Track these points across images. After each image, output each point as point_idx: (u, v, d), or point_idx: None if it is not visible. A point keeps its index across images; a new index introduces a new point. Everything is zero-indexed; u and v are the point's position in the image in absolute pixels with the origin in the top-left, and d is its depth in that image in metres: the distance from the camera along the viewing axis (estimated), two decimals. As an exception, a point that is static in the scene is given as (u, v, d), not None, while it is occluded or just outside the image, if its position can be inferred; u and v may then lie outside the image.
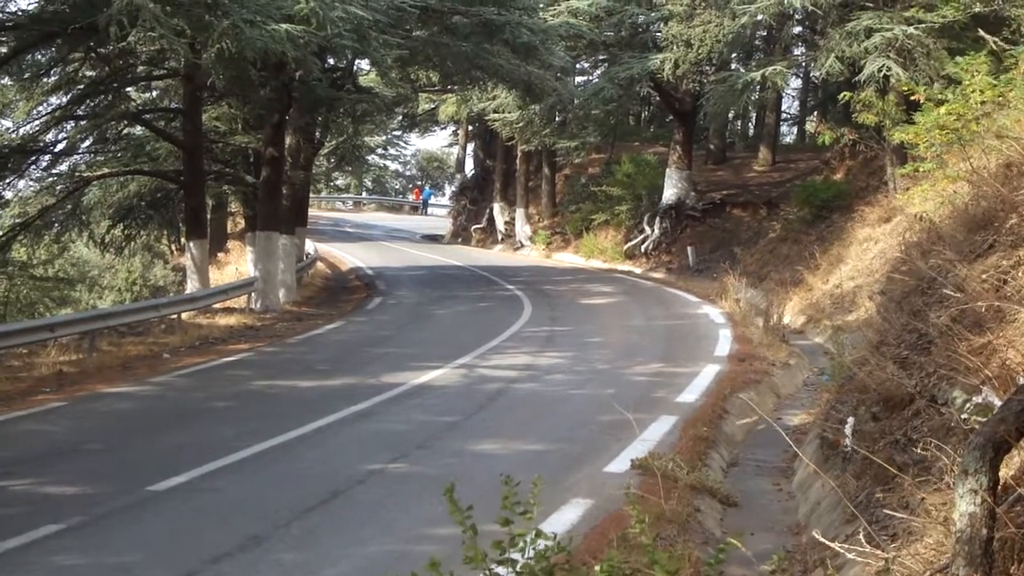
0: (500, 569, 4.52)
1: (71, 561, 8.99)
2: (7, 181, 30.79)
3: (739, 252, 35.78)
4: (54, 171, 31.76)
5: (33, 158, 29.91)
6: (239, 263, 42.65)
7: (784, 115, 58.81)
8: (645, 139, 57.23)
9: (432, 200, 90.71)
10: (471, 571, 4.63)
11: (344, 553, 9.14)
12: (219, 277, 37.80)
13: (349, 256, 49.79)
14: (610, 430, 13.79)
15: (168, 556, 9.10)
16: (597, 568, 4.46)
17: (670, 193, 41.45)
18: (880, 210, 27.88)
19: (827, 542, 6.74)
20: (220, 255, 46.24)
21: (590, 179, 51.35)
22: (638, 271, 40.40)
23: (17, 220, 31.63)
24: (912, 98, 19.15)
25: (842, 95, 26.66)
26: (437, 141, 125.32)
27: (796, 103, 62.04)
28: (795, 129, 65.16)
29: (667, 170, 42.02)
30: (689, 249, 39.17)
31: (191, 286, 29.27)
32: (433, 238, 63.92)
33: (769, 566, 4.62)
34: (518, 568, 4.49)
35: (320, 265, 44.16)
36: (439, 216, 78.24)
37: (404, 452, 12.94)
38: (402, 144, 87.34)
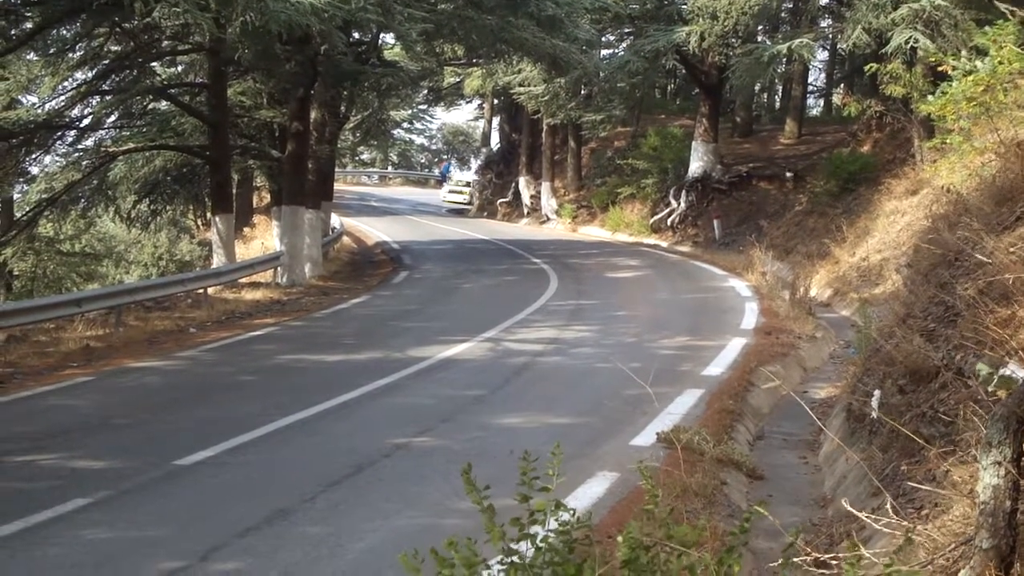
0: (520, 545, 4.51)
1: (99, 535, 9.03)
2: (33, 156, 30.92)
3: (765, 225, 35.68)
4: (80, 146, 31.82)
5: (59, 133, 29.97)
6: (265, 238, 42.73)
7: (811, 87, 58.55)
8: (671, 112, 57.02)
9: (451, 173, 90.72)
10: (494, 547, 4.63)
11: (370, 526, 9.16)
12: (245, 252, 37.89)
13: (375, 230, 49.83)
14: (636, 403, 13.77)
15: (195, 530, 9.13)
16: (619, 539, 4.43)
17: (696, 166, 41.30)
18: (907, 182, 27.75)
19: (855, 511, 6.71)
20: (246, 230, 46.33)
21: (616, 152, 51.27)
22: (664, 244, 40.35)
23: (44, 195, 31.73)
24: (939, 69, 19.01)
25: (869, 67, 26.46)
26: (463, 115, 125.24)
27: (823, 75, 61.79)
28: (821, 101, 64.87)
29: (693, 143, 41.86)
30: (715, 222, 39.06)
31: (217, 261, 29.34)
32: (459, 212, 63.96)
33: (790, 537, 4.59)
34: (537, 542, 4.48)
35: (346, 239, 44.19)
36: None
37: (430, 426, 12.96)
38: (427, 118, 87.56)
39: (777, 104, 62.13)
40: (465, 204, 66.99)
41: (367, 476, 10.75)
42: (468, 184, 69.31)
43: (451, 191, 69.45)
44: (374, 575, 7.98)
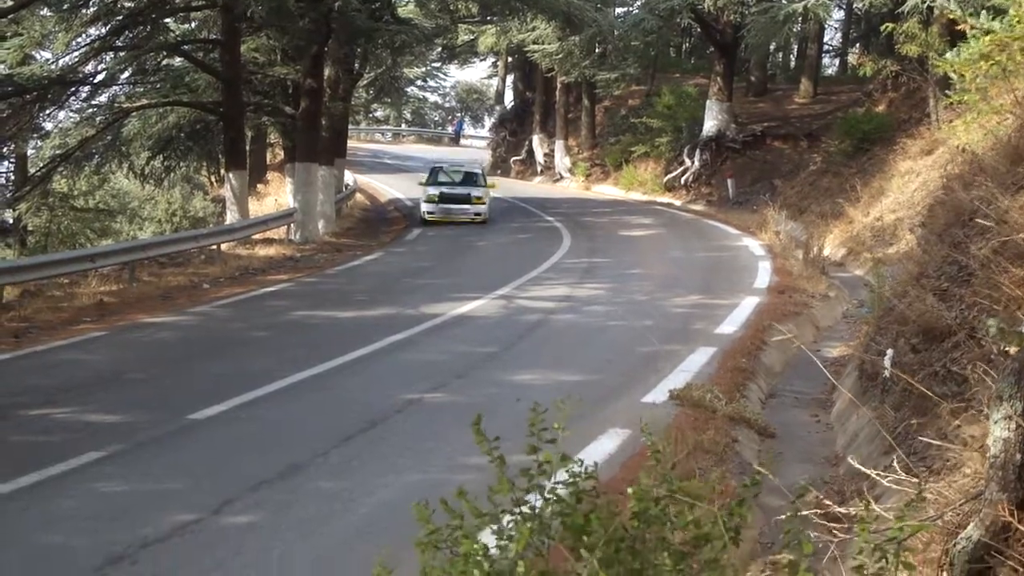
0: (529, 496, 4.54)
1: (112, 488, 9.09)
2: (47, 112, 30.89)
3: (779, 184, 35.63)
4: (93, 102, 31.79)
5: (72, 89, 29.92)
6: (278, 194, 42.77)
7: (826, 47, 58.26)
8: (685, 71, 56.83)
9: (465, 131, 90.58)
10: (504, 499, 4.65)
11: (382, 481, 9.20)
12: (258, 208, 37.93)
13: (388, 187, 49.85)
14: (648, 361, 13.80)
15: (208, 483, 9.18)
16: (630, 491, 4.46)
17: (710, 125, 41.15)
18: (922, 142, 27.63)
19: (864, 469, 6.72)
20: (259, 186, 46.34)
21: (630, 111, 51.13)
22: (678, 203, 40.26)
23: (57, 151, 31.69)
24: (958, 28, 18.91)
25: (885, 26, 26.30)
26: (476, 73, 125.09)
27: (838, 34, 61.44)
28: (837, 61, 64.55)
29: (707, 102, 41.70)
30: (729, 181, 38.94)
31: (230, 217, 29.38)
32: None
33: (800, 491, 4.62)
34: (546, 493, 4.51)
35: (359, 196, 44.17)
36: (476, 148, 77.92)
37: (442, 382, 13.00)
38: (441, 76, 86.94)
39: (792, 63, 61.90)
40: (476, 217, 34.68)
41: (380, 431, 10.79)
42: (478, 179, 36.95)
43: (445, 196, 35.21)
44: (387, 530, 8.00)
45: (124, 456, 9.92)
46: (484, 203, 34.81)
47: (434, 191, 35.06)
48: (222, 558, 7.63)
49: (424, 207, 34.97)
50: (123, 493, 8.99)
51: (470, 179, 36.64)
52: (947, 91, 20.50)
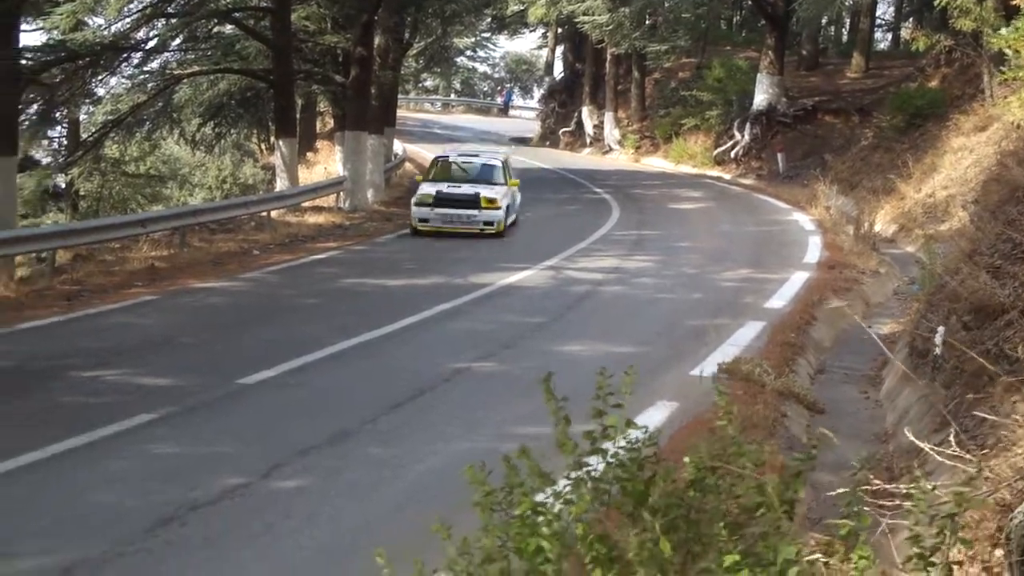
0: (591, 459, 4.56)
1: (163, 450, 9.18)
2: (99, 78, 31.00)
3: (830, 159, 35.35)
4: (145, 69, 31.88)
5: (125, 56, 30.01)
6: (328, 163, 42.81)
7: (879, 21, 57.77)
8: (736, 44, 56.41)
9: (514, 102, 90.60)
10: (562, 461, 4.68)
11: (431, 449, 9.24)
12: (308, 176, 37.97)
13: (437, 157, 49.83)
14: (697, 334, 13.78)
15: (257, 447, 9.25)
16: (686, 459, 4.48)
17: (761, 99, 40.85)
18: (976, 119, 27.37)
19: (920, 444, 6.68)
20: (309, 154, 46.42)
21: (680, 83, 50.86)
22: (727, 177, 40.03)
23: (109, 117, 31.84)
24: (1012, 3, 18.69)
25: (938, 1, 26.04)
26: (526, 43, 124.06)
27: (891, 9, 60.92)
28: (890, 35, 64.01)
29: (758, 75, 41.39)
30: (779, 155, 38.68)
31: (280, 184, 29.48)
32: (522, 140, 63.63)
33: (858, 466, 4.61)
34: (608, 458, 4.52)
35: (408, 166, 44.14)
36: (526, 119, 77.76)
37: (491, 351, 13.04)
38: (491, 46, 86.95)
39: (844, 37, 61.40)
40: (487, 228, 24.20)
41: (428, 399, 10.84)
42: (495, 174, 26.71)
43: (443, 197, 24.65)
44: (436, 497, 8.03)
45: (175, 419, 10.01)
46: (499, 208, 24.55)
47: (429, 190, 25.06)
48: (271, 521, 7.69)
49: (415, 212, 24.82)
50: (174, 455, 9.08)
51: (485, 174, 26.72)
52: (1001, 67, 20.31)
